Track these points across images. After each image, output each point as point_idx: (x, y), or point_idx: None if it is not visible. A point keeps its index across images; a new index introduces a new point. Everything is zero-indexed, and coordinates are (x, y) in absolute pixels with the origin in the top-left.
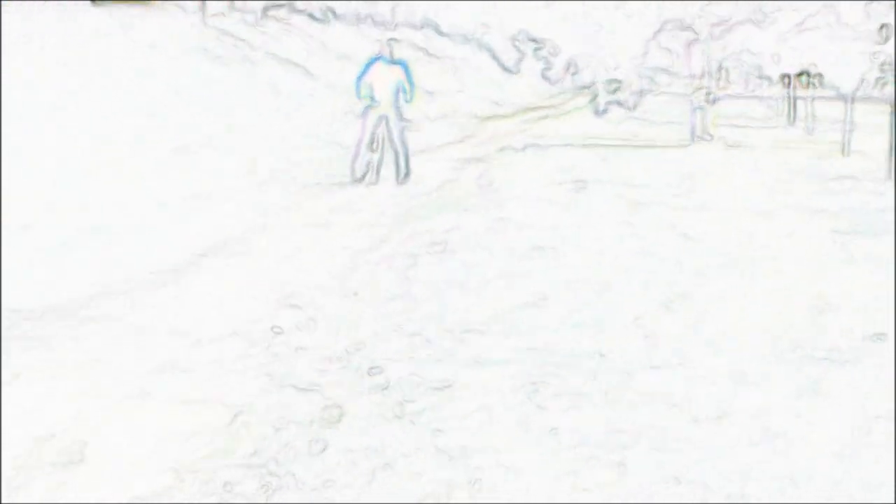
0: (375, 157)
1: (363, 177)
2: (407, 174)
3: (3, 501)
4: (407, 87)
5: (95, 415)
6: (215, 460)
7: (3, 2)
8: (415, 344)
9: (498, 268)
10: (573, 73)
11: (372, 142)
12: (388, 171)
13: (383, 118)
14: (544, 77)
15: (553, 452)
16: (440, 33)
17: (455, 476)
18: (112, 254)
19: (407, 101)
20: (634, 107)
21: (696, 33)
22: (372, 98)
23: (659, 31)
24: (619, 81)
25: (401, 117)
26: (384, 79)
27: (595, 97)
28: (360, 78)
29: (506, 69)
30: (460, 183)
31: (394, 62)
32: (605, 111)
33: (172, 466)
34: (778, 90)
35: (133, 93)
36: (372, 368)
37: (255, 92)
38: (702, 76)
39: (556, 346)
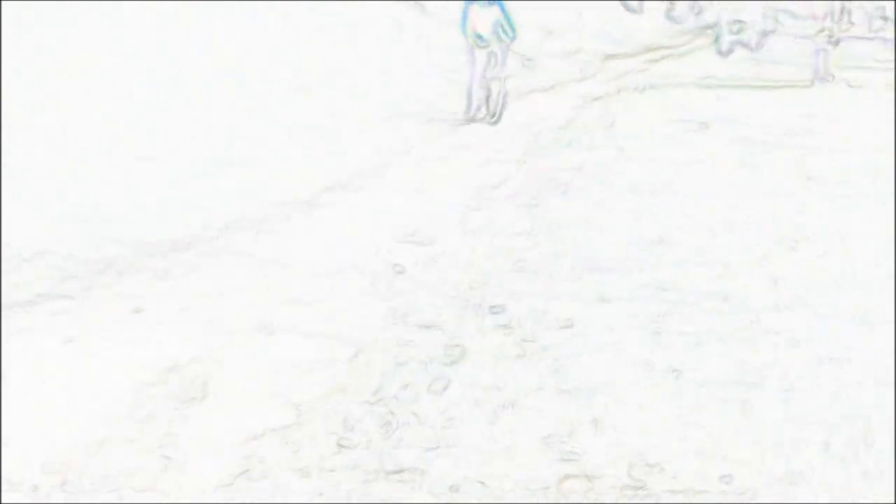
0: (485, 93)
1: (475, 115)
2: (500, 114)
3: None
4: (506, 25)
5: (218, 348)
6: (336, 397)
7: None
8: (537, 282)
9: (620, 206)
10: (696, 13)
11: (481, 80)
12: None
13: (492, 56)
14: (667, 17)
15: (676, 392)
16: None
17: (578, 415)
18: (236, 187)
19: (509, 39)
20: (757, 47)
21: None
22: (479, 37)
23: None
24: (743, 22)
25: (506, 57)
26: (483, 20)
27: (718, 37)
28: (463, 21)
29: (628, 8)
30: (581, 121)
31: (490, 4)
32: (728, 52)
33: (293, 402)
34: None
35: (252, 30)
36: (494, 307)
37: (375, 28)
38: (825, 17)
39: (680, 284)
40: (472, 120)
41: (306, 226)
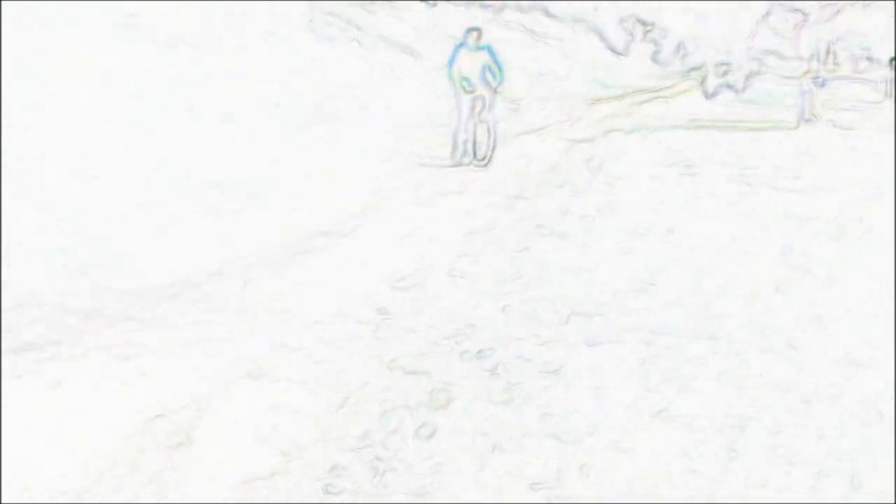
0: (471, 138)
1: (461, 160)
2: (489, 158)
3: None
4: (495, 69)
5: (206, 395)
6: (324, 443)
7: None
8: (525, 326)
9: (609, 249)
10: (682, 56)
11: (467, 124)
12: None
13: (477, 100)
14: (653, 59)
15: (664, 436)
16: (548, 15)
17: (565, 460)
18: (224, 233)
19: (497, 82)
20: (743, 89)
21: (804, 15)
22: (466, 81)
23: (767, 13)
24: (728, 64)
25: (493, 101)
26: (470, 65)
27: (704, 80)
28: (450, 64)
29: (614, 51)
30: (569, 164)
31: (479, 48)
32: (714, 94)
33: (281, 448)
34: (886, 72)
35: (245, 75)
36: (481, 351)
37: (365, 73)
38: (810, 58)
39: (668, 327)
40: (458, 164)
41: (294, 272)
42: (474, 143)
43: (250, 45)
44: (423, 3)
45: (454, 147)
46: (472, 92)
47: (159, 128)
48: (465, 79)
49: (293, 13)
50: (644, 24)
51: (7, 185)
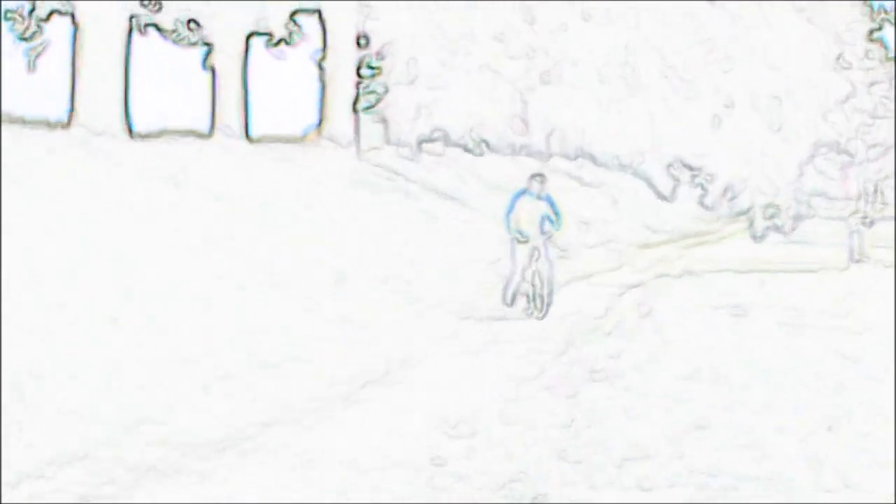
0: (530, 288)
1: (514, 304)
2: (546, 308)
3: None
4: (553, 217)
5: None
6: None
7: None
8: (578, 471)
9: (660, 393)
10: (730, 199)
11: (524, 274)
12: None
13: (535, 250)
14: (701, 203)
15: None
16: (596, 163)
17: None
18: (275, 385)
19: (555, 230)
20: (791, 230)
21: (851, 156)
22: (520, 232)
23: (814, 154)
24: (776, 206)
25: (548, 250)
26: (530, 213)
27: (752, 222)
28: (508, 213)
29: (661, 196)
30: (619, 310)
31: (539, 197)
32: (762, 236)
33: None
34: None
35: (291, 226)
36: (535, 496)
37: (411, 222)
38: (858, 198)
39: (721, 469)
40: (513, 309)
41: (346, 420)
42: (533, 294)
43: (296, 197)
44: (469, 154)
45: (506, 294)
46: (525, 241)
47: (206, 286)
48: (520, 230)
49: (343, 167)
50: (690, 168)
51: (54, 336)
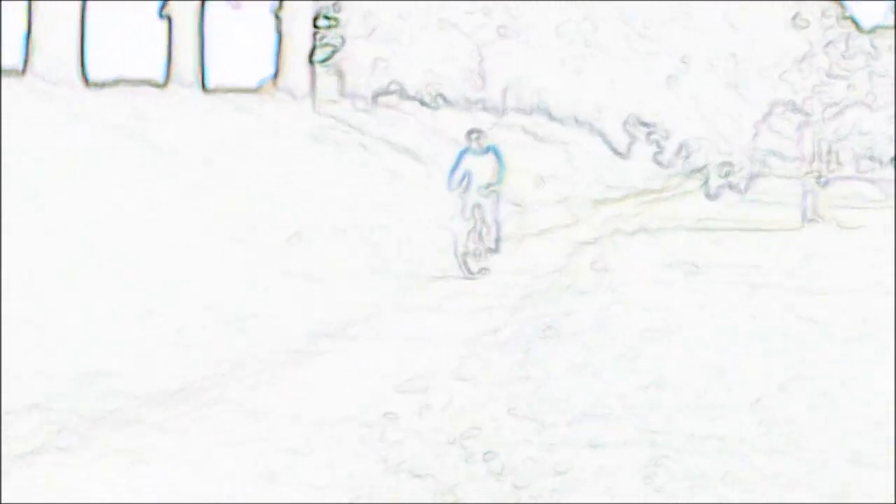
0: (473, 246)
1: (467, 264)
2: (493, 251)
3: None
4: (498, 171)
5: (220, 498)
6: None
7: None
8: (531, 428)
9: (614, 351)
10: (685, 157)
11: (471, 230)
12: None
13: (477, 206)
14: (656, 161)
15: None
16: (551, 118)
17: None
18: (230, 338)
19: (496, 184)
20: (746, 189)
21: (806, 115)
22: (465, 189)
23: (769, 113)
24: (731, 164)
25: (495, 201)
26: (475, 169)
27: (707, 180)
28: (452, 172)
29: (617, 153)
30: (574, 266)
31: (484, 151)
32: (716, 194)
33: None
34: (889, 172)
35: (247, 179)
36: (487, 453)
37: (368, 176)
38: (812, 158)
39: (674, 428)
40: (468, 272)
41: (301, 376)
42: (478, 250)
43: (250, 151)
44: (425, 108)
45: (457, 250)
46: (471, 197)
47: (162, 239)
48: (467, 183)
49: (298, 120)
50: (646, 125)
51: (9, 289)
